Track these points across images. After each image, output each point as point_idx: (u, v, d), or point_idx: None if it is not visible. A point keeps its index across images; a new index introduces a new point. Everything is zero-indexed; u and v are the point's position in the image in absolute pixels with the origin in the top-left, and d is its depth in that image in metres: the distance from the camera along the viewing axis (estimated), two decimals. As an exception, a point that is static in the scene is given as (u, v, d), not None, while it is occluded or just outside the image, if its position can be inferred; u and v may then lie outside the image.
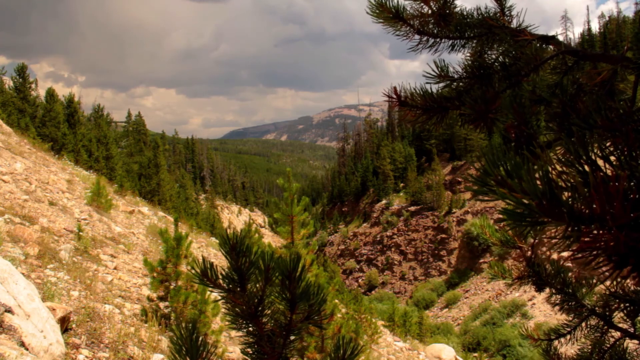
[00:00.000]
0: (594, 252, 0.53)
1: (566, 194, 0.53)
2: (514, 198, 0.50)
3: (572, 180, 0.52)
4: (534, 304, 24.28)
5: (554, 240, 0.53)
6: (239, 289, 0.79)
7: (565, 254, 0.56)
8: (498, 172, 0.53)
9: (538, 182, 0.52)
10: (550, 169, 0.55)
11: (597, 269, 0.55)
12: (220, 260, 11.47)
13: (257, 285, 0.81)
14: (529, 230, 0.53)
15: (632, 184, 0.55)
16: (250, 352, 0.83)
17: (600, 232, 0.51)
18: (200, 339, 0.76)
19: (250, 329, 0.82)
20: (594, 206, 0.50)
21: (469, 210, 39.27)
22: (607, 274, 0.56)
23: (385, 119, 65.06)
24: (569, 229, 0.52)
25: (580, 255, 0.54)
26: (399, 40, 1.19)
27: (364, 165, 54.92)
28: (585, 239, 0.52)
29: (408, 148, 50.50)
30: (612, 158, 0.63)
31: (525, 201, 0.49)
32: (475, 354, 18.46)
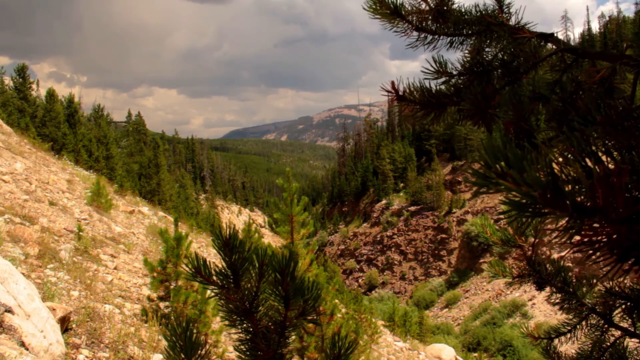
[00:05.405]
0: (596, 246, 0.53)
1: (567, 187, 0.53)
2: (516, 189, 0.50)
3: (574, 173, 0.52)
4: (534, 304, 24.29)
5: (554, 233, 0.53)
6: (232, 286, 0.78)
7: (564, 253, 0.56)
8: (499, 164, 0.53)
9: (539, 174, 0.51)
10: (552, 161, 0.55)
11: (597, 263, 0.55)
12: (220, 260, 11.46)
13: (251, 282, 0.80)
14: (530, 222, 0.53)
15: (633, 178, 0.55)
16: (244, 349, 0.81)
17: (603, 224, 0.51)
18: (196, 335, 0.75)
19: (245, 325, 0.81)
20: (597, 199, 0.50)
21: (469, 210, 39.27)
22: (608, 267, 0.56)
23: (385, 119, 65.07)
24: (571, 221, 0.52)
25: (581, 248, 0.54)
26: (398, 38, 1.18)
27: (364, 165, 54.91)
28: (587, 232, 0.52)
29: (408, 148, 50.50)
30: (615, 153, 0.63)
31: (530, 192, 0.49)
32: (476, 354, 18.46)
